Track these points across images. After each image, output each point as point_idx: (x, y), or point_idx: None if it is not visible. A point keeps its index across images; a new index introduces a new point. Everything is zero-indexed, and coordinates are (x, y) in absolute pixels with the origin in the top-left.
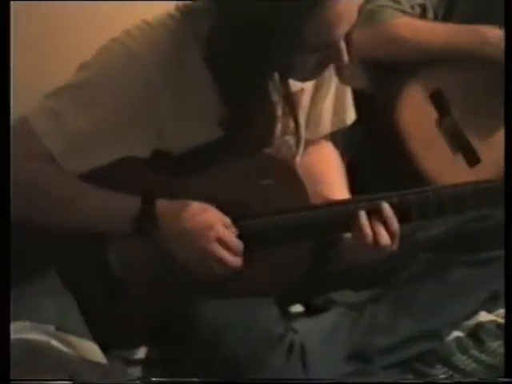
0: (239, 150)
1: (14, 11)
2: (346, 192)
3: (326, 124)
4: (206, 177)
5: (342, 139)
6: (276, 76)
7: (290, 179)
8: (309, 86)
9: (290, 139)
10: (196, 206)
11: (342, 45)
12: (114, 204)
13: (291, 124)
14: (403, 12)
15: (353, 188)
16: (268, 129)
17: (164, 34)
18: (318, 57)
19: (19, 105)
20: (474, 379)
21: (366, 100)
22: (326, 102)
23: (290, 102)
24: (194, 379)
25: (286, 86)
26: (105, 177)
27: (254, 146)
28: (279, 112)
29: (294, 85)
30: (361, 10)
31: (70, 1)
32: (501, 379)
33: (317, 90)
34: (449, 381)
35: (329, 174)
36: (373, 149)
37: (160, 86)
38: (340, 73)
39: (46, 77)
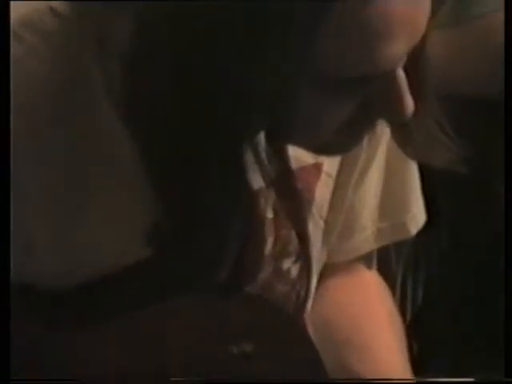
0: (185, 284)
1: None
2: (404, 367)
3: (366, 234)
4: (117, 333)
5: (400, 262)
6: (260, 139)
7: (292, 342)
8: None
9: (292, 267)
10: None
11: (402, 78)
12: None
13: (292, 236)
14: None
15: (420, 359)
16: (245, 246)
17: (36, 43)
18: (352, 103)
19: None
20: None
21: (450, 184)
22: (366, 190)
23: (290, 191)
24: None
25: (282, 157)
26: None
27: (216, 278)
28: (267, 212)
29: (300, 157)
30: None
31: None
32: (501, 379)
33: (346, 166)
34: (448, 380)
35: (369, 331)
36: (466, 281)
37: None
38: (399, 136)
39: None
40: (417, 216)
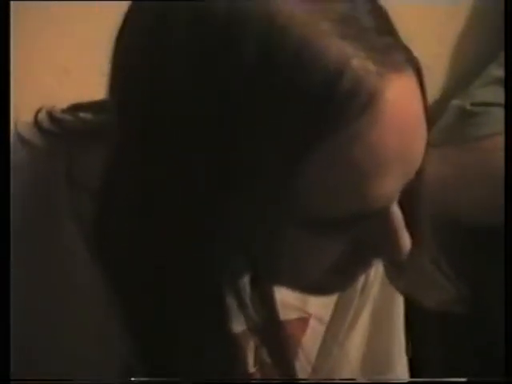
0: None
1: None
2: None
3: None
4: None
5: None
6: (244, 282)
7: None
8: (317, 303)
9: None
10: None
11: (396, 215)
12: None
13: None
14: None
15: None
16: None
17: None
18: (343, 243)
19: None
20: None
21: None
22: (354, 340)
23: (275, 339)
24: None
25: (266, 301)
26: None
27: None
28: (248, 358)
29: (287, 306)
30: (436, 114)
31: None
32: (501, 379)
33: (340, 311)
34: (448, 380)
35: None
36: None
37: None
38: (392, 272)
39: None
40: (399, 376)
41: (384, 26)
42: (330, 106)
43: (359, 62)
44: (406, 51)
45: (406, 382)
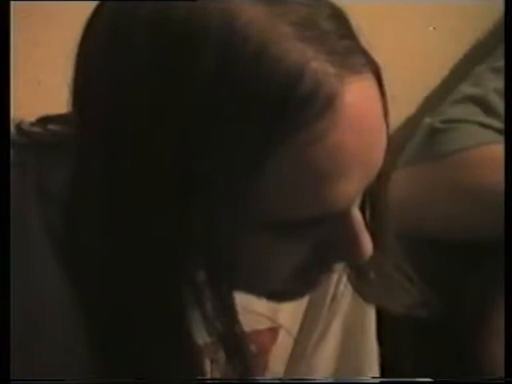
0: None
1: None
2: None
3: None
4: None
5: None
6: (205, 290)
7: None
8: (287, 313)
9: None
10: None
11: (357, 218)
12: None
13: None
14: (499, 132)
15: None
16: None
17: None
18: (304, 247)
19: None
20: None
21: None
22: (323, 352)
23: (241, 353)
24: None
25: (228, 311)
26: None
27: None
28: (210, 369)
29: (257, 315)
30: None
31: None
32: (501, 379)
33: (308, 324)
34: (448, 380)
35: None
36: None
37: None
38: (356, 278)
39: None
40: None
41: (344, 29)
42: (289, 108)
43: (318, 64)
44: (366, 55)
45: (405, 381)
